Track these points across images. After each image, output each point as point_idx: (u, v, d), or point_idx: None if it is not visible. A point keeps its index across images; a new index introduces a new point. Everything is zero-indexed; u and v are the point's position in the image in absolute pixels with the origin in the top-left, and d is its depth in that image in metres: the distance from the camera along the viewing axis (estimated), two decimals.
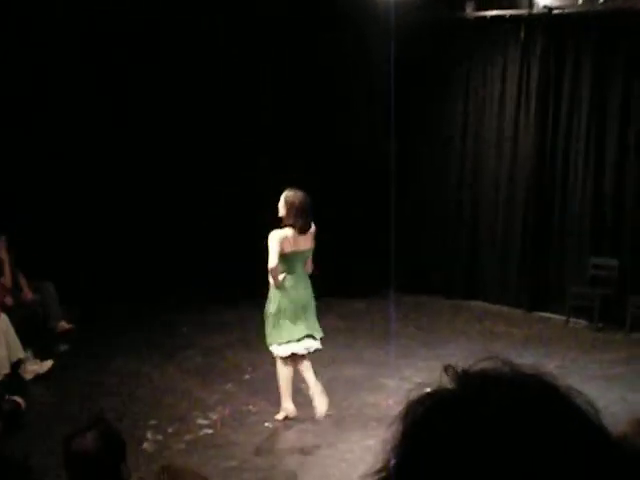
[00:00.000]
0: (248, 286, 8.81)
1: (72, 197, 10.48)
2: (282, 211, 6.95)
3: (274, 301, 7.04)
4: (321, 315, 10.35)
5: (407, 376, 8.35)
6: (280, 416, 7.40)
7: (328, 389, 7.91)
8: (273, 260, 6.77)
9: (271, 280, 6.90)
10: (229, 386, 8.23)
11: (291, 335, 7.11)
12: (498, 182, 11.80)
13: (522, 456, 0.93)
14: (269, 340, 7.15)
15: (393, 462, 1.02)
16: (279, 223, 7.01)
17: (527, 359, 8.33)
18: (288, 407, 7.34)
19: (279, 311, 7.04)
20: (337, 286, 11.48)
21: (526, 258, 11.50)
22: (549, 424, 0.96)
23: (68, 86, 10.28)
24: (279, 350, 7.15)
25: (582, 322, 10.88)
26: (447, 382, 1.03)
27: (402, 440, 1.02)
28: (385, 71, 10.54)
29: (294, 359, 7.21)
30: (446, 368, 1.04)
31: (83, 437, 3.22)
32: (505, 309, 11.54)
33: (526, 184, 11.44)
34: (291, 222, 6.94)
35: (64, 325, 9.19)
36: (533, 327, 10.75)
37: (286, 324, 7.07)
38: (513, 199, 11.66)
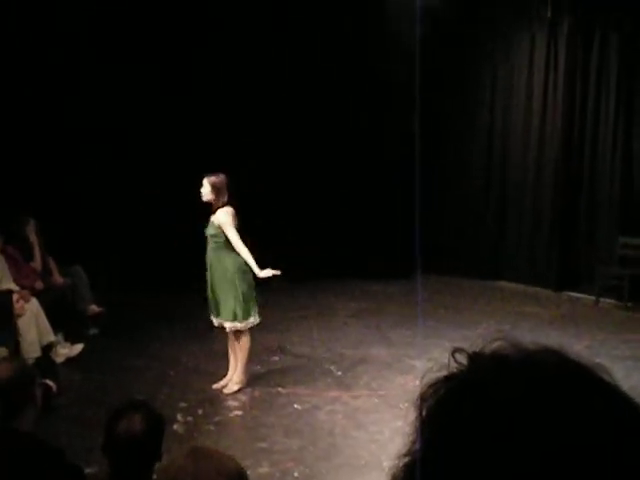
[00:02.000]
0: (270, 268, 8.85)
1: (104, 181, 10.55)
2: (212, 195, 7.23)
3: (244, 277, 7.25)
4: (347, 296, 10.94)
5: (435, 357, 7.98)
6: (237, 387, 7.57)
7: (357, 370, 8.15)
8: (236, 235, 7.13)
9: (243, 251, 7.13)
10: (258, 368, 8.23)
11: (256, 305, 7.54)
12: (526, 162, 11.75)
13: (547, 435, 0.91)
14: (250, 312, 7.36)
15: (416, 447, 1.00)
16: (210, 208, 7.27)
17: (555, 339, 8.33)
18: (244, 379, 7.65)
19: (248, 286, 7.32)
20: (363, 267, 11.82)
21: (555, 238, 11.46)
22: (572, 401, 0.93)
23: (105, 71, 10.43)
24: (254, 320, 7.43)
25: (611, 302, 10.84)
26: (460, 365, 1.01)
27: (422, 425, 1.00)
28: (410, 49, 10.50)
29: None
30: (456, 351, 1.03)
31: (130, 419, 3.17)
32: (533, 289, 11.50)
33: (554, 164, 11.38)
34: (226, 200, 7.26)
35: (94, 309, 9.25)
36: (562, 307, 10.72)
37: (254, 295, 7.46)
38: (541, 179, 11.60)
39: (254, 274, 7.29)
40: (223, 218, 7.21)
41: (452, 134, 12.33)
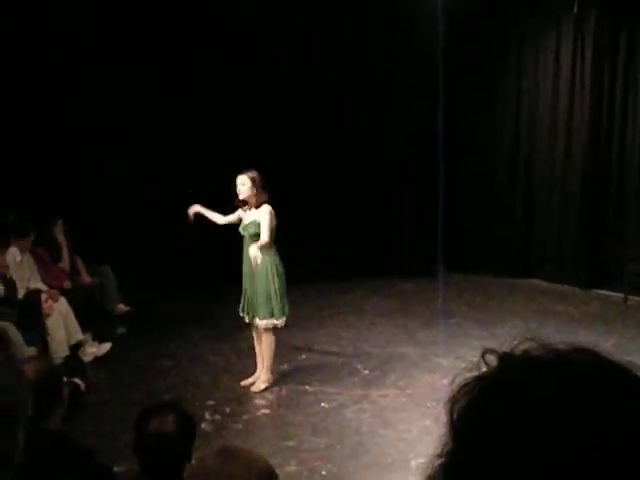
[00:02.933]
0: (300, 269, 8.82)
1: (133, 181, 10.59)
2: (252, 190, 7.18)
3: (278, 275, 7.29)
4: (372, 296, 11.06)
5: (462, 355, 8.30)
6: (264, 386, 7.58)
7: (384, 369, 8.10)
8: (269, 235, 7.09)
9: (260, 255, 7.09)
10: (285, 366, 8.22)
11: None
12: (553, 158, 11.62)
13: (583, 434, 0.91)
14: (279, 313, 7.35)
15: (449, 447, 1.00)
16: (241, 205, 7.27)
17: (583, 338, 8.34)
18: (271, 377, 7.66)
19: (282, 284, 7.36)
20: (386, 266, 11.78)
21: (583, 235, 11.33)
22: (607, 400, 0.93)
23: (134, 78, 10.50)
24: (282, 321, 7.43)
25: None
26: (490, 365, 1.01)
27: (454, 426, 1.00)
28: (435, 45, 10.54)
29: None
30: (486, 351, 1.03)
31: (163, 419, 3.16)
32: (561, 287, 11.39)
33: (582, 159, 11.25)
34: (266, 198, 7.23)
35: (122, 308, 9.32)
36: (590, 305, 10.59)
37: (285, 296, 7.45)
38: (568, 175, 11.46)
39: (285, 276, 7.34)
40: (267, 217, 7.13)
41: (477, 130, 12.18)
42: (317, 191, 11.62)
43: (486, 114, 12.15)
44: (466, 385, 1.01)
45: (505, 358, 1.01)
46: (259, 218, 7.19)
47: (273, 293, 7.31)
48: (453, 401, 1.01)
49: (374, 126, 11.84)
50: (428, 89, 11.25)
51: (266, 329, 7.47)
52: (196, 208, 7.50)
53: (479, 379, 1.01)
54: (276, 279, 7.29)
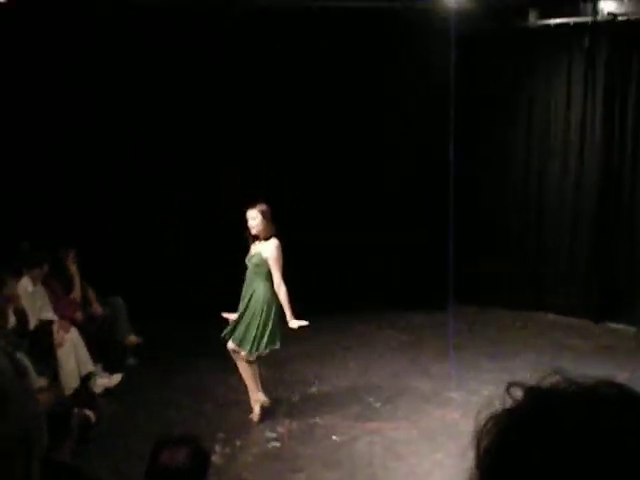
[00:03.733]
0: (309, 301, 8.75)
1: (143, 212, 10.60)
2: (262, 224, 7.23)
3: (273, 306, 7.26)
4: (383, 328, 10.91)
5: (473, 389, 8.22)
6: (258, 408, 7.59)
7: (395, 402, 8.07)
8: (280, 274, 7.15)
9: (283, 292, 7.16)
10: (295, 399, 8.20)
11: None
12: (564, 190, 11.54)
13: (623, 468, 0.90)
14: (267, 342, 7.30)
15: None
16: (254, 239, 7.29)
17: (596, 372, 8.17)
18: (261, 397, 7.65)
19: (276, 314, 7.32)
20: (397, 298, 11.56)
21: (595, 267, 11.23)
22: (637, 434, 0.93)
23: (149, 99, 10.53)
24: (265, 351, 7.41)
25: None
26: (515, 398, 1.00)
27: (482, 460, 0.99)
28: (446, 80, 10.44)
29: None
30: (512, 385, 1.02)
31: (176, 452, 3.17)
32: (574, 320, 11.24)
33: (593, 193, 11.18)
34: (274, 231, 7.28)
35: (133, 339, 9.25)
36: (602, 339, 10.48)
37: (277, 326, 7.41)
38: (580, 207, 11.39)
39: (281, 310, 7.32)
40: (275, 252, 7.19)
41: (488, 162, 12.12)
42: (326, 222, 11.48)
43: (495, 149, 12.11)
44: (494, 418, 1.00)
45: (533, 392, 1.00)
46: (265, 252, 7.23)
47: (258, 325, 7.27)
48: (480, 435, 1.00)
49: (385, 155, 11.76)
50: (440, 120, 11.12)
51: (243, 357, 7.49)
52: (298, 323, 7.36)
53: (508, 413, 1.00)
54: (264, 313, 7.26)
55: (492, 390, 7.64)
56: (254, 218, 7.24)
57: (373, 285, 11.69)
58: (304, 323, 7.11)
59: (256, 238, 7.36)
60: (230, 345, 7.51)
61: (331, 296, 11.14)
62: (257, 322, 7.26)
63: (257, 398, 7.63)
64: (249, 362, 7.48)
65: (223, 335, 7.58)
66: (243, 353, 7.42)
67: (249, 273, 7.37)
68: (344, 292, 11.41)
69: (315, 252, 11.05)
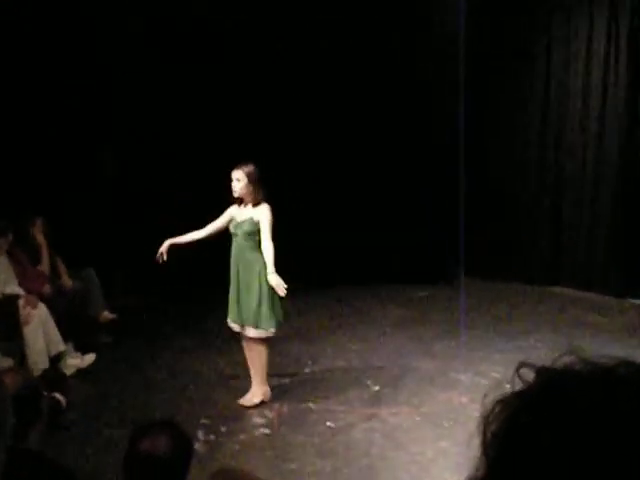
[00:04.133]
0: (303, 274, 8.81)
1: (120, 178, 10.74)
2: (247, 188, 7.20)
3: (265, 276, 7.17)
4: (384, 304, 11.04)
5: (482, 371, 8.24)
6: (258, 400, 7.54)
7: (396, 385, 8.05)
8: (271, 240, 7.09)
9: (270, 250, 7.08)
10: (286, 381, 8.18)
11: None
12: (584, 155, 11.53)
13: (632, 452, 0.91)
14: (270, 321, 7.29)
15: (483, 472, 1.00)
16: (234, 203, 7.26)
17: (617, 350, 8.26)
18: (267, 390, 7.64)
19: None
20: (400, 270, 11.71)
21: (616, 238, 11.25)
22: None
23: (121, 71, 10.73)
24: (273, 330, 7.38)
25: None
26: (526, 380, 1.01)
27: (490, 447, 1.00)
28: (458, 29, 10.58)
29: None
30: (522, 365, 1.03)
31: (156, 439, 3.17)
32: (593, 296, 11.29)
33: (616, 158, 11.19)
34: (264, 196, 7.25)
35: (107, 315, 9.19)
36: (624, 316, 10.49)
37: (279, 302, 7.38)
38: (601, 175, 11.40)
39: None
40: (269, 215, 7.16)
41: (503, 127, 12.18)
42: (324, 188, 11.66)
43: (511, 113, 12.13)
44: (502, 402, 1.01)
45: (545, 373, 1.01)
46: (257, 217, 7.18)
47: (265, 298, 7.26)
48: (487, 419, 1.01)
49: (394, 127, 11.88)
50: (452, 91, 11.26)
51: (257, 339, 7.44)
52: (169, 242, 7.51)
53: (518, 395, 1.01)
54: (268, 282, 7.20)
55: (502, 372, 7.63)
56: (238, 180, 7.22)
57: (372, 257, 11.76)
58: (283, 285, 6.98)
59: (241, 202, 7.33)
60: (247, 331, 7.44)
61: (327, 269, 11.30)
62: (267, 295, 7.22)
63: (264, 391, 7.61)
64: (265, 342, 7.44)
65: (231, 325, 7.57)
66: (258, 333, 7.36)
67: (238, 244, 7.31)
68: (341, 265, 11.51)
69: (310, 222, 11.25)
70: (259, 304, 7.24)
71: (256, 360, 7.54)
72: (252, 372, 7.66)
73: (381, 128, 11.84)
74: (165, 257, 7.41)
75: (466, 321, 9.83)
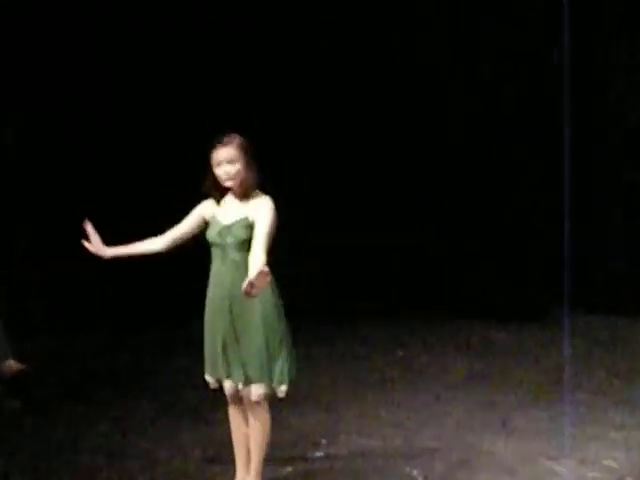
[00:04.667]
0: (317, 305, 10.38)
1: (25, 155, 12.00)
2: (246, 171, 6.74)
3: (279, 314, 6.78)
4: (440, 351, 11.38)
5: (591, 458, 7.63)
6: None
7: (457, 478, 7.47)
8: (266, 248, 6.50)
9: (263, 281, 6.25)
10: (288, 470, 7.59)
11: None
12: None
13: None
14: (281, 375, 6.85)
15: None
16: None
17: None
18: None
19: (287, 329, 6.90)
20: (466, 305, 12.64)
21: None
22: None
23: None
24: (284, 388, 6.90)
25: None
26: None
27: None
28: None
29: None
30: None
31: None
32: None
33: None
34: (261, 184, 6.85)
35: (12, 366, 9.09)
36: None
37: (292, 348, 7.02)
38: None
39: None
40: (271, 213, 6.63)
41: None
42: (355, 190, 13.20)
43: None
44: None
45: None
46: (254, 215, 6.63)
47: (274, 343, 6.74)
48: None
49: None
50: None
51: (259, 401, 6.79)
52: (107, 253, 7.13)
53: None
54: (278, 321, 6.75)
55: (622, 459, 7.42)
56: (232, 161, 6.68)
57: (422, 283, 12.90)
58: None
59: (221, 195, 6.88)
60: (245, 390, 6.91)
61: (352, 298, 12.66)
62: (277, 333, 6.80)
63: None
64: (262, 409, 6.95)
65: (210, 381, 7.05)
66: (263, 391, 6.81)
67: (228, 260, 6.78)
68: (375, 293, 12.61)
69: (333, 236, 12.80)
70: (263, 350, 6.75)
71: (257, 435, 6.95)
72: (240, 454, 7.16)
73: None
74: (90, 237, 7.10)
75: (569, 378, 9.65)
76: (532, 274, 12.86)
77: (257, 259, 6.27)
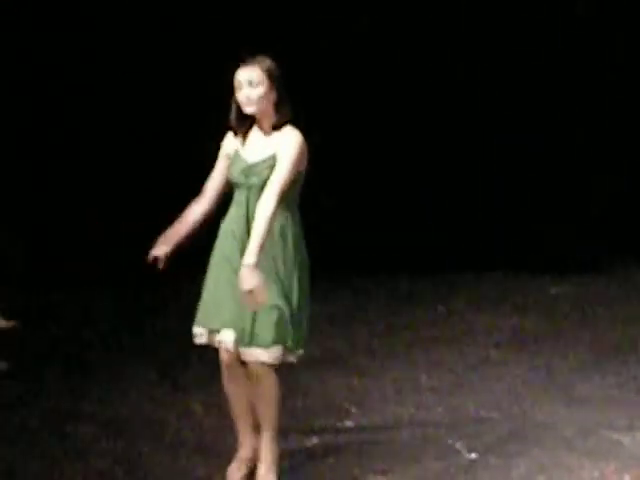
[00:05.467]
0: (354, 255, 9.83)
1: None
2: (269, 98, 6.30)
3: (301, 266, 6.34)
4: (488, 308, 11.19)
5: None
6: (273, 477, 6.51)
7: (509, 451, 7.07)
8: (282, 187, 6.20)
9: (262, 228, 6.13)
10: (314, 442, 7.14)
11: None
12: None
13: None
14: (295, 340, 6.41)
15: None
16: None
17: None
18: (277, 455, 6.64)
19: (307, 284, 6.40)
20: (516, 255, 12.56)
21: None
22: None
23: None
24: (298, 354, 6.54)
25: None
26: None
27: None
28: None
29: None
30: None
31: None
32: None
33: None
34: (290, 113, 6.41)
35: (1, 323, 9.20)
36: None
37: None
38: None
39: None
40: (297, 149, 6.19)
41: None
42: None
43: None
44: None
45: None
46: (281, 150, 6.20)
47: (293, 299, 6.27)
48: None
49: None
50: None
51: (269, 366, 6.26)
52: (164, 240, 6.61)
53: None
54: (296, 272, 6.28)
55: None
56: (254, 84, 6.21)
57: (469, 233, 12.83)
58: (262, 295, 6.02)
59: (248, 128, 6.39)
60: (253, 354, 6.34)
61: (390, 249, 12.34)
62: (297, 289, 6.36)
63: (275, 459, 6.54)
64: (270, 377, 6.43)
65: (217, 325, 6.42)
66: (275, 354, 6.32)
67: (251, 202, 6.30)
68: (415, 243, 12.34)
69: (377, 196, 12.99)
70: (278, 308, 6.25)
71: (265, 403, 6.40)
72: (246, 428, 6.56)
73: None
74: (162, 264, 6.63)
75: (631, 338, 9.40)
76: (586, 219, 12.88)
77: (261, 215, 6.12)
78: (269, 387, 6.27)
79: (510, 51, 13.78)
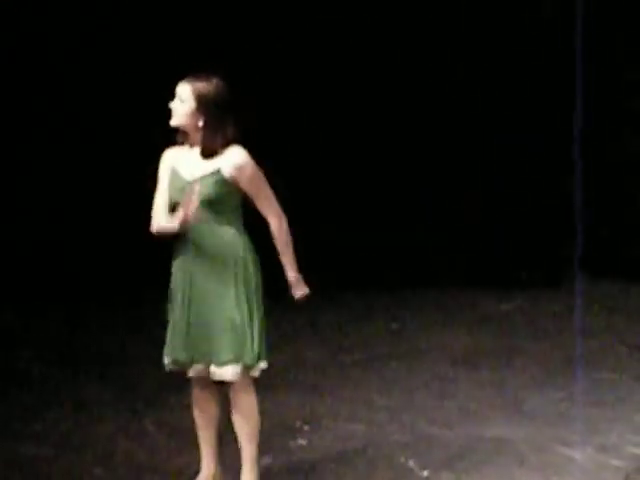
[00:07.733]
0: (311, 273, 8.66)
1: None
2: (196, 115, 6.40)
3: (256, 281, 6.49)
4: (440, 324, 11.36)
5: (612, 444, 7.44)
6: None
7: (460, 469, 7.23)
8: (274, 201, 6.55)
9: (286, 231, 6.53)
10: (267, 461, 7.21)
11: None
12: None
13: None
14: (255, 354, 6.55)
15: None
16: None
17: None
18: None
19: (261, 297, 6.59)
20: (466, 273, 12.72)
21: None
22: None
23: None
24: (262, 367, 6.64)
25: None
26: None
27: None
28: None
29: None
30: None
31: None
32: None
33: None
34: (234, 134, 6.49)
35: None
36: None
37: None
38: None
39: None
40: (251, 165, 6.35)
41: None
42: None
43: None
44: None
45: None
46: (228, 167, 6.30)
47: (247, 315, 6.43)
48: None
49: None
50: None
51: (241, 383, 6.46)
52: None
53: None
54: (253, 278, 6.49)
55: None
56: (182, 100, 6.37)
57: (422, 251, 12.83)
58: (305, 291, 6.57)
59: (184, 139, 6.50)
60: (219, 372, 6.51)
61: (346, 266, 12.49)
62: (251, 303, 6.53)
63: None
64: (248, 392, 6.65)
65: (170, 365, 6.66)
66: (242, 371, 6.49)
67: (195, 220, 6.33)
68: (372, 262, 12.51)
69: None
70: (237, 324, 6.46)
71: (245, 423, 6.65)
72: (206, 444, 6.76)
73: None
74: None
75: (583, 352, 9.64)
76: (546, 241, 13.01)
77: (281, 234, 6.51)
78: (247, 403, 6.53)
79: (510, 51, 14.05)
